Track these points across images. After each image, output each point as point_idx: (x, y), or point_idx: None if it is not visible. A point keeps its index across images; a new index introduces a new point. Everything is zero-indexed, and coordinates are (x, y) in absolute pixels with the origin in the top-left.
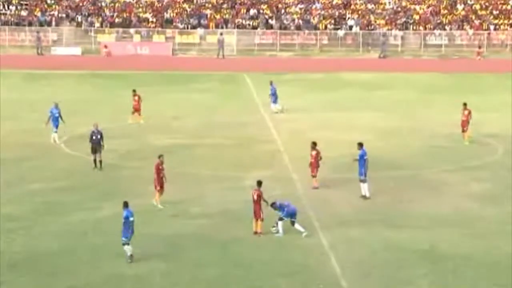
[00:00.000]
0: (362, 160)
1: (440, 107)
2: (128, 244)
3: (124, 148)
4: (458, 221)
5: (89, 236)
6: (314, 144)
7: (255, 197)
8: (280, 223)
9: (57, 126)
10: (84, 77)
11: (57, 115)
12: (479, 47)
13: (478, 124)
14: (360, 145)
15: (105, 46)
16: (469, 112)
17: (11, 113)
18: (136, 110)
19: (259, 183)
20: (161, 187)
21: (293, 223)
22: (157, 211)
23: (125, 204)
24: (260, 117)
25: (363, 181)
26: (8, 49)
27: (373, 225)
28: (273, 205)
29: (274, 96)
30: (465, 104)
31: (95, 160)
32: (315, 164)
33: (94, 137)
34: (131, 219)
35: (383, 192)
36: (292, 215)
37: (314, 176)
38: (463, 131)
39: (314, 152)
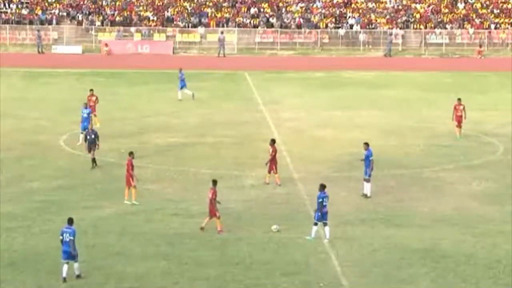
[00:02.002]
0: (368, 160)
1: (441, 106)
2: (67, 263)
3: (124, 147)
4: (459, 219)
5: (88, 235)
6: (273, 141)
7: (210, 195)
8: (314, 228)
9: (83, 128)
10: (84, 75)
11: (85, 115)
12: (480, 46)
13: (479, 123)
14: (367, 145)
15: (106, 45)
16: (464, 108)
17: (11, 111)
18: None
19: (214, 182)
20: (134, 184)
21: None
22: (157, 210)
23: (70, 221)
24: (260, 116)
25: (367, 180)
26: (8, 48)
27: (374, 224)
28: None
29: (183, 82)
30: (459, 100)
31: (93, 160)
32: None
33: (88, 137)
34: (71, 237)
35: (384, 190)
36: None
37: (269, 173)
38: (458, 126)
39: (271, 149)
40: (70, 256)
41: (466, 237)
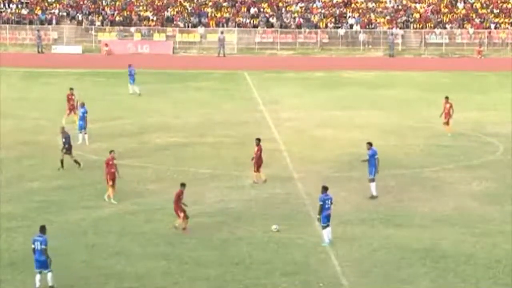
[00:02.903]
0: (373, 159)
1: (441, 106)
2: (39, 273)
3: (124, 147)
4: (459, 219)
5: (88, 235)
6: (258, 140)
7: (175, 196)
8: (324, 231)
9: (79, 127)
10: (84, 75)
11: (80, 114)
12: (480, 46)
13: (479, 123)
14: (370, 144)
15: (106, 45)
16: (451, 106)
17: (11, 111)
18: (72, 109)
19: (183, 185)
20: (113, 182)
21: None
22: (157, 210)
23: (42, 230)
24: (260, 116)
25: (373, 180)
26: (8, 48)
27: (374, 224)
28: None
29: (132, 77)
30: (447, 98)
31: (76, 161)
32: (258, 160)
33: (64, 139)
34: (42, 246)
35: (384, 190)
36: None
37: (256, 171)
38: (446, 123)
39: (256, 149)
40: (43, 265)
41: (466, 237)
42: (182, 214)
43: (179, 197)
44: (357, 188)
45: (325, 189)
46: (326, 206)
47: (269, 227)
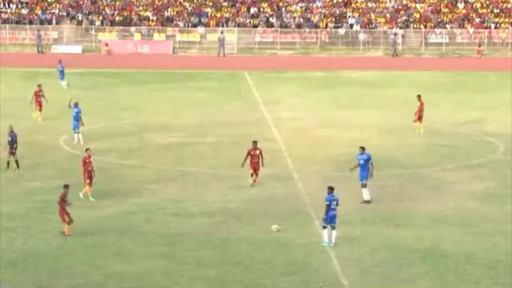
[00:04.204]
0: (367, 163)
1: (441, 106)
2: None
3: (124, 147)
4: (459, 219)
5: (88, 235)
6: (255, 143)
7: (59, 198)
8: (324, 231)
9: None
10: (84, 75)
11: (74, 114)
12: (480, 46)
13: (479, 123)
14: (363, 149)
15: (106, 45)
16: (422, 104)
17: (11, 111)
18: (40, 105)
19: (66, 186)
20: (90, 180)
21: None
22: (157, 210)
23: None
24: (260, 116)
25: (365, 185)
26: (8, 47)
27: (374, 224)
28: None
29: (62, 73)
30: (419, 96)
31: (17, 161)
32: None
33: (10, 139)
34: None
35: (384, 190)
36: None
37: (256, 175)
38: (418, 121)
39: (257, 151)
40: None
41: (466, 236)
42: (67, 219)
43: (63, 200)
44: (357, 188)
45: (331, 189)
46: (332, 206)
47: (270, 227)
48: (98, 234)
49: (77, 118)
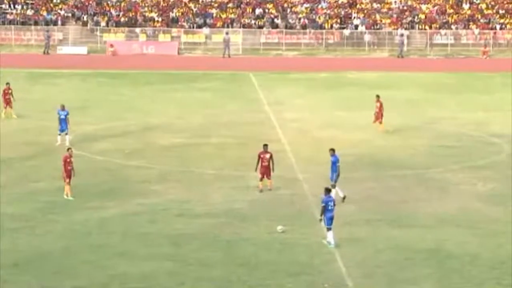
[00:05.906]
0: (335, 165)
1: (446, 107)
2: None
3: (128, 147)
4: (463, 220)
5: (93, 236)
6: (266, 146)
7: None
8: (329, 233)
9: (61, 129)
10: (89, 76)
11: (62, 117)
12: (485, 46)
13: (484, 123)
14: (333, 150)
15: (111, 45)
16: (381, 104)
17: (16, 111)
18: (8, 103)
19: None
20: (69, 179)
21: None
22: (161, 210)
23: None
24: (265, 117)
25: (334, 186)
26: (13, 48)
27: (378, 225)
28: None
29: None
30: (377, 96)
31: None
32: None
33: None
34: None
35: (388, 191)
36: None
37: (269, 179)
38: (378, 122)
39: (268, 155)
40: None
41: (470, 237)
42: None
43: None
44: (362, 188)
45: (327, 191)
46: (329, 208)
47: (274, 228)
48: (102, 234)
49: (65, 120)
